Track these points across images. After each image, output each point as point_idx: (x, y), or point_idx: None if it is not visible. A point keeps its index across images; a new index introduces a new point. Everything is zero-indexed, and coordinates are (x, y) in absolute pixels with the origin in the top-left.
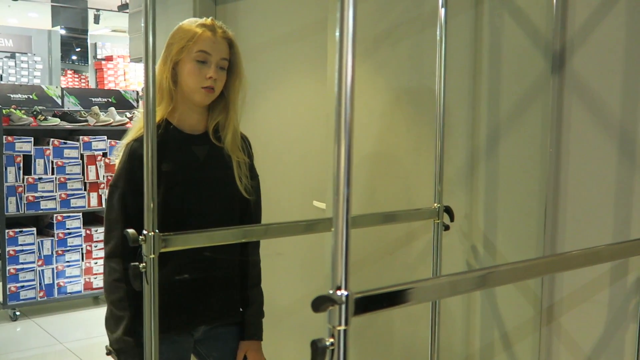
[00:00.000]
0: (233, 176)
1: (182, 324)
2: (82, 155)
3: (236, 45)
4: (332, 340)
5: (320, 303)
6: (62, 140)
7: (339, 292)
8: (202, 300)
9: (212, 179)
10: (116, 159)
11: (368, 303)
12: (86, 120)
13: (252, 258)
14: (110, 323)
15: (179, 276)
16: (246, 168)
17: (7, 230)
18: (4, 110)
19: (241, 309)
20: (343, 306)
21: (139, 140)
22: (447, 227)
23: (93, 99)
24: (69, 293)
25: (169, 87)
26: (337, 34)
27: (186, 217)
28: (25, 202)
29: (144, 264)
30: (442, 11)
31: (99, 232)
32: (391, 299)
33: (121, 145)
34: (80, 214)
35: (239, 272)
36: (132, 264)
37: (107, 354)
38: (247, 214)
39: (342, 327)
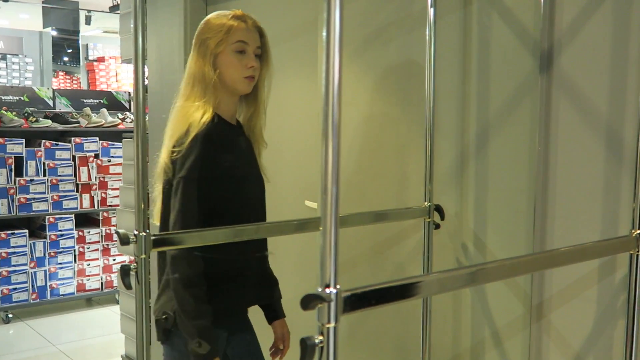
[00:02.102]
0: (258, 164)
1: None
2: (74, 157)
3: (265, 33)
4: (321, 338)
5: (309, 301)
6: (54, 142)
7: (327, 290)
8: (247, 286)
9: (253, 166)
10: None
11: (357, 301)
12: (78, 122)
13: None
14: (194, 314)
15: (229, 264)
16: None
17: None
18: None
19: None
20: (332, 304)
21: (209, 128)
22: (437, 226)
23: (85, 100)
24: (62, 295)
25: (214, 80)
26: (324, 34)
27: (243, 204)
28: (17, 203)
29: (135, 264)
30: (431, 11)
31: (91, 234)
32: (380, 296)
33: (190, 133)
34: (73, 215)
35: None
36: (122, 264)
37: (198, 346)
38: None
39: (332, 325)
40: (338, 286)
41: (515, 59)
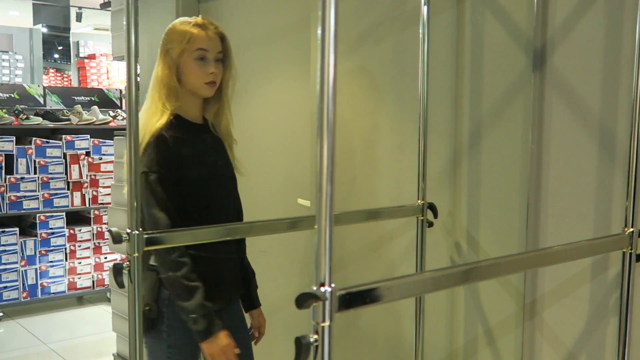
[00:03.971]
0: (229, 158)
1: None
2: (65, 155)
3: (227, 38)
4: (316, 336)
5: (304, 300)
6: (45, 140)
7: (322, 289)
8: (228, 277)
9: (221, 162)
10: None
11: (351, 299)
12: (69, 119)
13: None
14: (184, 295)
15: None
16: (234, 152)
17: None
18: None
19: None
20: (327, 302)
21: (164, 130)
22: (430, 224)
23: (76, 98)
24: (53, 293)
25: (176, 87)
26: (319, 32)
27: (212, 197)
28: (7, 201)
29: (127, 263)
30: (424, 9)
31: (82, 232)
32: (374, 295)
33: (145, 135)
34: (64, 213)
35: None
36: (115, 263)
37: (194, 323)
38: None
39: (326, 324)
40: (333, 285)
41: (508, 57)
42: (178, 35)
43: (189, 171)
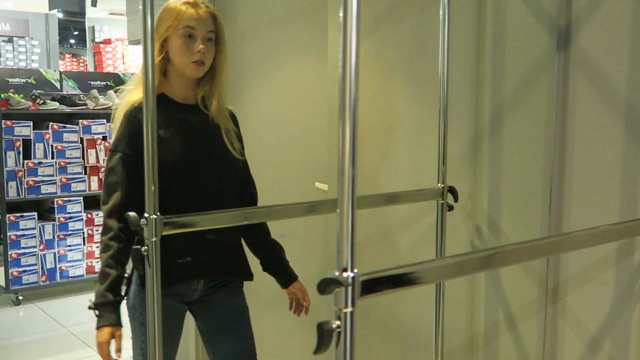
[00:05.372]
0: (224, 142)
1: (187, 273)
2: (81, 139)
3: (219, 18)
4: (338, 322)
5: (326, 285)
6: (62, 124)
7: (345, 274)
8: (205, 255)
9: (209, 145)
10: (113, 124)
11: (374, 285)
12: (85, 104)
13: None
14: (99, 277)
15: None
16: (234, 135)
17: (8, 215)
18: (2, 95)
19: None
20: (349, 288)
21: (137, 107)
22: (451, 208)
23: (92, 83)
24: (71, 277)
25: (163, 66)
26: (341, 13)
27: (189, 180)
28: (25, 186)
29: (145, 247)
30: None
31: (100, 216)
32: (398, 280)
33: (119, 111)
34: (81, 198)
35: (238, 233)
36: (133, 247)
37: (89, 308)
38: (244, 174)
39: (349, 309)
40: (355, 270)
41: (531, 37)
42: (167, 13)
43: (165, 153)
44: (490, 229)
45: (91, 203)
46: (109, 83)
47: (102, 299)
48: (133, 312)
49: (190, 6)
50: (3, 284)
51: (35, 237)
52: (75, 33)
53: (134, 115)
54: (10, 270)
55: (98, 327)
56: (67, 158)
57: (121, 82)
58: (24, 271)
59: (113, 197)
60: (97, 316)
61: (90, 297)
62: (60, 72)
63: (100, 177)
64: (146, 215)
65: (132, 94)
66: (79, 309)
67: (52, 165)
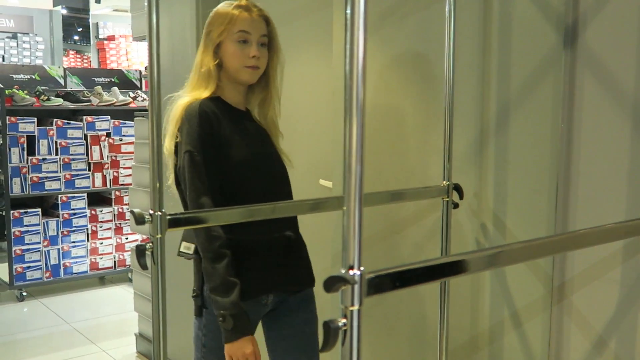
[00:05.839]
0: (277, 151)
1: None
2: (85, 136)
3: (272, 22)
4: (344, 320)
5: (333, 283)
6: (66, 121)
7: (351, 272)
8: (282, 266)
9: (264, 152)
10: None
11: (381, 283)
12: (89, 100)
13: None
14: (220, 289)
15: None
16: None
17: (12, 211)
18: (6, 91)
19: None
20: (356, 286)
21: (203, 103)
22: (456, 205)
23: (96, 79)
24: (75, 273)
25: (214, 72)
26: (348, 10)
27: (255, 185)
28: (29, 182)
29: (150, 244)
30: None
31: (103, 213)
32: (404, 278)
33: (179, 110)
34: (85, 194)
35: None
36: (137, 244)
37: (221, 321)
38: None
39: (355, 308)
40: (362, 268)
41: (537, 34)
42: (219, 17)
43: (231, 152)
44: (495, 227)
45: (95, 199)
46: (113, 79)
47: (237, 309)
48: (197, 334)
49: (244, 10)
50: (7, 279)
51: (39, 233)
52: (79, 29)
53: (203, 111)
54: (14, 266)
55: (235, 339)
56: (71, 154)
57: (125, 79)
58: (28, 267)
59: (207, 203)
60: (228, 329)
61: (92, 293)
62: (64, 68)
63: (105, 173)
64: (151, 211)
65: (189, 98)
66: (82, 306)
67: (56, 162)
